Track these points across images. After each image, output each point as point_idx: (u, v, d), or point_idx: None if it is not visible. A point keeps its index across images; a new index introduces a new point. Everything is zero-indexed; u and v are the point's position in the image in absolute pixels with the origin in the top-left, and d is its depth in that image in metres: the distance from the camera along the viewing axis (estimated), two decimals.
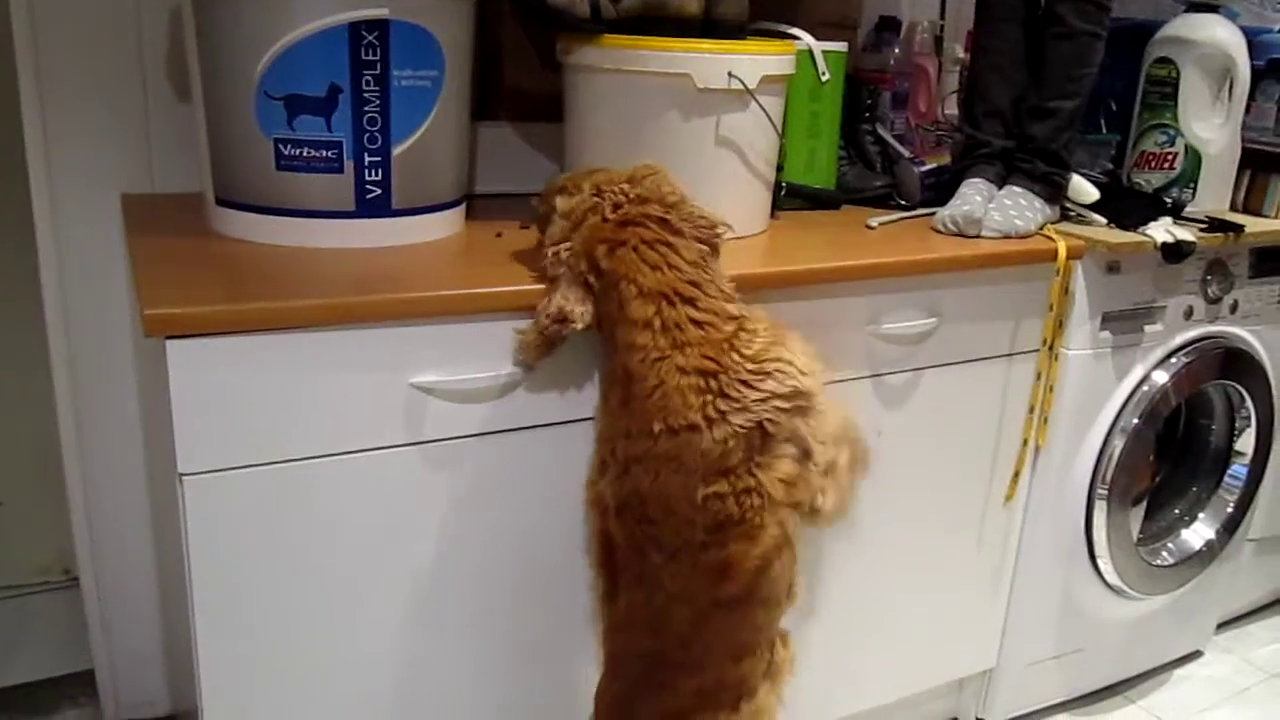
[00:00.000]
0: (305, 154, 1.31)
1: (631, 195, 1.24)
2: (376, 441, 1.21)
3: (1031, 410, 1.75)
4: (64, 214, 1.52)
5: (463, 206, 1.52)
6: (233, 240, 1.36)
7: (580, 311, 1.20)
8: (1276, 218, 1.90)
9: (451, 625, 1.34)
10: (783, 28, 1.74)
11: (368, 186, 1.34)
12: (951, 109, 2.08)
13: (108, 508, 1.68)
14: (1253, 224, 1.84)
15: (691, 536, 1.17)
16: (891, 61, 2.00)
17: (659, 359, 1.16)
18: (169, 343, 1.07)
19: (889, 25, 2.05)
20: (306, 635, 1.24)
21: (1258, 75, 1.92)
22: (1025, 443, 1.76)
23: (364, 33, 1.27)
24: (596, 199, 1.24)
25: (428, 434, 1.24)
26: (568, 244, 1.23)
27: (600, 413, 1.29)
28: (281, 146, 1.30)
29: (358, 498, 1.22)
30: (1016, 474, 1.78)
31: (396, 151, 1.35)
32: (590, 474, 1.28)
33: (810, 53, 1.72)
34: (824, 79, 1.74)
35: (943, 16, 2.15)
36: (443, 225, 1.46)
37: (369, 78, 1.30)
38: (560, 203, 1.27)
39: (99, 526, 1.68)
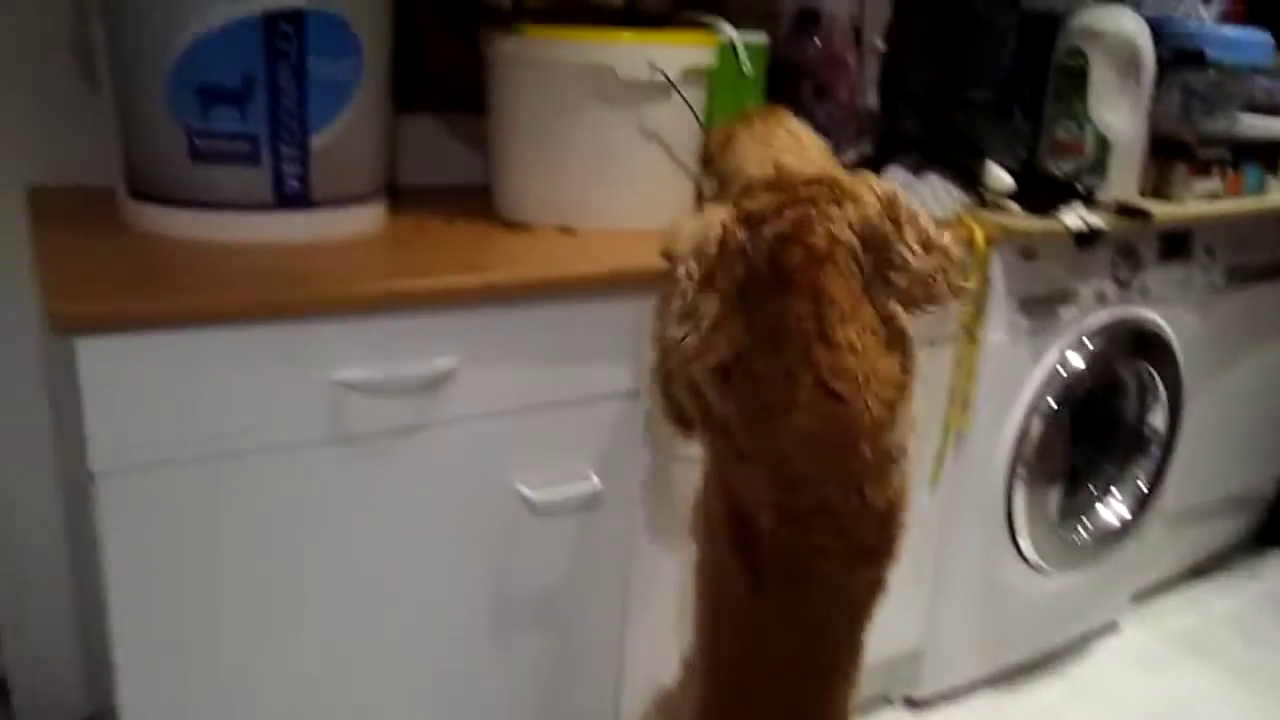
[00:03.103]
0: (220, 145, 1.28)
1: None
2: (299, 438, 1.20)
3: (953, 395, 1.78)
4: None
5: (385, 199, 1.50)
6: (146, 235, 1.32)
7: None
8: (1182, 203, 1.96)
9: (376, 627, 1.33)
10: (705, 18, 1.75)
11: (286, 179, 1.32)
12: (872, 99, 2.11)
13: (18, 509, 1.62)
14: (1160, 209, 1.90)
15: None
16: (812, 52, 2.01)
17: None
18: (79, 340, 1.04)
19: (809, 17, 2.06)
20: (228, 637, 1.22)
21: (1164, 65, 1.98)
22: (947, 427, 1.80)
23: (279, 23, 1.25)
24: None
25: (351, 430, 1.23)
26: None
27: None
28: (195, 138, 1.27)
29: (282, 496, 1.20)
30: (940, 457, 1.82)
31: (315, 143, 1.32)
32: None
33: (732, 44, 1.73)
34: (745, 70, 1.75)
35: (862, 9, 2.17)
36: (364, 218, 1.44)
37: (285, 68, 1.27)
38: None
39: (9, 528, 1.62)
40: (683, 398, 1.26)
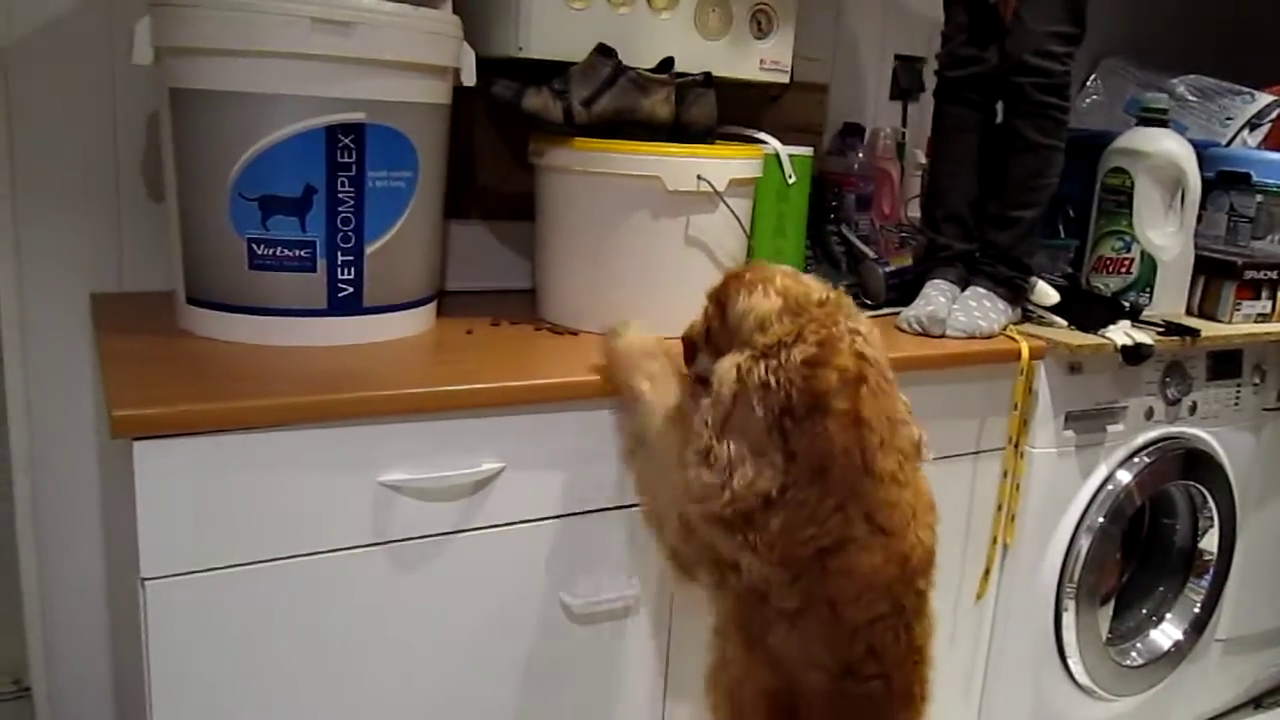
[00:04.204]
0: (278, 253, 1.31)
1: None
2: (344, 542, 1.20)
3: (999, 508, 1.76)
4: (32, 311, 1.51)
5: (434, 303, 1.53)
6: (203, 339, 1.35)
7: None
8: (1230, 323, 1.94)
9: None
10: (750, 132, 1.79)
11: (340, 285, 1.35)
12: (915, 211, 2.14)
13: (64, 615, 1.62)
14: (1208, 328, 1.88)
15: None
16: (855, 165, 2.05)
17: None
18: (136, 444, 1.06)
19: (853, 130, 2.11)
20: None
21: (1208, 185, 1.99)
22: (994, 540, 1.77)
23: (340, 135, 1.29)
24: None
25: (396, 533, 1.23)
26: None
27: None
28: (254, 246, 1.31)
29: (325, 600, 1.20)
30: (986, 572, 1.78)
31: (369, 250, 1.36)
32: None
33: (777, 156, 1.76)
34: (790, 181, 1.78)
35: (904, 123, 2.22)
36: (414, 322, 1.47)
37: (344, 179, 1.31)
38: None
39: (54, 635, 1.63)
40: (697, 561, 1.20)
